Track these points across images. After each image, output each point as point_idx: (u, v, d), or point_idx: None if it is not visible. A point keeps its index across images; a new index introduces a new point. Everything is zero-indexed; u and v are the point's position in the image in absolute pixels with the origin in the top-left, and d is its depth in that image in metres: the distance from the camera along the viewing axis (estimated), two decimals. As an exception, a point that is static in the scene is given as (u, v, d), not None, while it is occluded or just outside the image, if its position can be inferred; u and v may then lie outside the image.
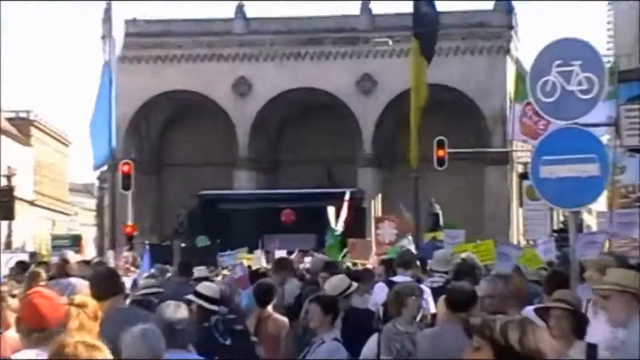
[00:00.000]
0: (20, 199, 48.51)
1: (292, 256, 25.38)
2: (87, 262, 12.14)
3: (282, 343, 8.13)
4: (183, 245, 30.76)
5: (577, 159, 7.15)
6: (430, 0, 24.90)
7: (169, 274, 14.39)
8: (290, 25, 41.24)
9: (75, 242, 32.95)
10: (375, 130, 40.49)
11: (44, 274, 9.35)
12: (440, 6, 25.74)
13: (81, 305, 4.79)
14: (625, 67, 20.50)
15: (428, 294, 8.44)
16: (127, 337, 4.45)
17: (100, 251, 33.25)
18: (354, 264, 17.30)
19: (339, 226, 25.15)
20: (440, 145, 28.95)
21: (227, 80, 40.77)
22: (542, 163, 7.32)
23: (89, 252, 34.68)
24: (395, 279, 9.17)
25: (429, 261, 11.59)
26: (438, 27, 25.84)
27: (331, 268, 10.05)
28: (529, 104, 17.63)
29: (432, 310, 7.80)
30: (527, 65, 7.94)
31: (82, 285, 7.44)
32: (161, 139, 44.38)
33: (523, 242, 26.42)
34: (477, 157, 38.26)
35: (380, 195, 40.47)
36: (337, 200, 28.21)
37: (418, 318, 7.08)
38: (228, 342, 7.00)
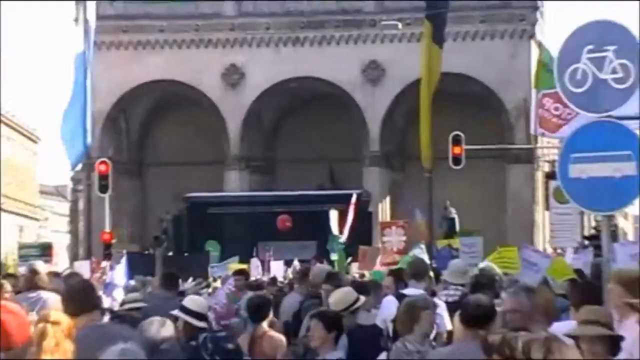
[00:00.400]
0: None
1: (291, 267, 25.41)
2: (58, 274, 12.12)
3: (278, 364, 8.13)
4: (168, 254, 30.77)
5: (611, 157, 7.13)
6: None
7: (150, 288, 14.39)
8: (288, 7, 41.23)
9: (46, 251, 32.99)
10: (384, 125, 40.48)
11: (9, 287, 9.34)
12: (455, -15, 25.78)
13: (55, 323, 4.79)
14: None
15: (443, 309, 8.44)
16: (104, 358, 4.44)
17: (74, 261, 33.23)
18: (362, 275, 17.30)
19: (344, 233, 25.15)
20: (457, 141, 28.96)
21: (216, 69, 40.76)
22: (571, 161, 7.31)
23: (61, 262, 34.70)
24: (406, 291, 9.16)
25: (443, 272, 11.58)
26: (449, 10, 25.88)
27: (335, 279, 10.04)
28: (545, 94, 17.64)
29: (448, 326, 7.80)
30: (554, 51, 7.93)
31: (54, 300, 7.43)
32: (142, 135, 44.38)
33: (550, 251, 26.42)
34: (498, 154, 38.23)
35: (388, 198, 40.46)
36: (340, 203, 28.21)
37: (432, 336, 7.07)
38: (218, 363, 6.99)
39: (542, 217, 38.07)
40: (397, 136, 41.27)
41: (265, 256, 26.97)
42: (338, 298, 8.07)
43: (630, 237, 40.40)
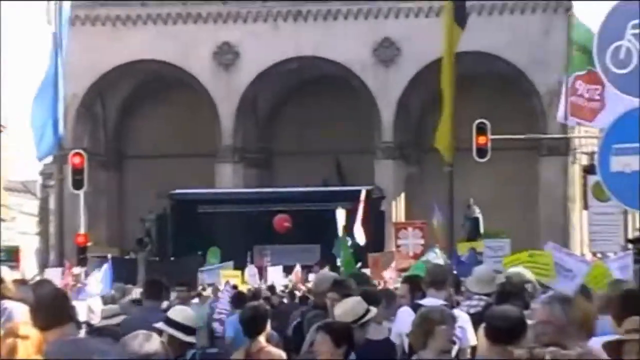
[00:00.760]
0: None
1: (292, 274, 25.46)
2: (25, 282, 12.13)
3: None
4: (152, 259, 30.84)
5: (659, 148, 7.12)
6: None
7: (129, 296, 14.44)
8: (288, -23, 41.23)
9: (12, 255, 32.99)
10: (398, 112, 40.47)
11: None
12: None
13: (25, 337, 4.79)
14: None
15: (466, 322, 8.44)
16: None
17: (44, 267, 33.29)
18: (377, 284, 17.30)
19: (357, 235, 25.17)
20: (481, 130, 28.92)
21: (206, 48, 40.77)
22: (613, 153, 7.30)
23: (30, 268, 34.71)
24: (424, 301, 9.16)
25: (466, 279, 11.58)
26: None
27: (342, 287, 10.04)
28: (578, 77, 17.63)
29: (472, 341, 7.81)
30: (593, 27, 7.90)
31: (21, 311, 7.44)
32: (121, 124, 44.42)
33: (589, 256, 26.38)
34: (528, 145, 38.19)
35: (403, 195, 40.48)
36: (348, 201, 28.24)
37: (454, 352, 7.07)
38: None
39: (579, 218, 38.03)
40: (413, 124, 41.25)
41: (262, 261, 27.02)
42: (345, 309, 8.07)
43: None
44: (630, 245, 20.96)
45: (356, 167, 40.34)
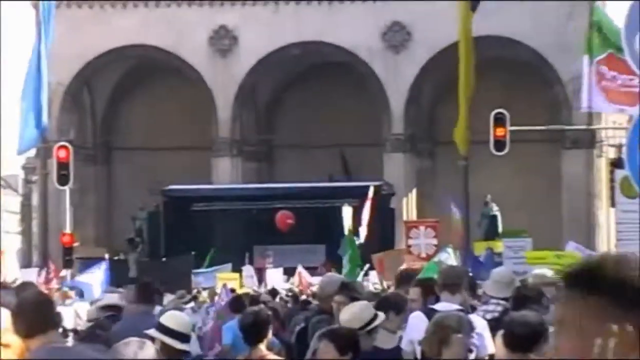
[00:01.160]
0: None
1: (295, 276, 25.46)
2: (7, 285, 12.17)
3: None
4: (143, 259, 30.87)
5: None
6: None
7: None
8: (290, -45, 41.24)
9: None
10: (409, 102, 40.48)
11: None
12: None
13: (6, 346, 4.80)
14: None
15: (484, 328, 8.44)
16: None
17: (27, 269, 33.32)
18: (386, 288, 17.32)
19: (361, 234, 25.18)
20: (500, 121, 28.89)
21: (202, 32, 40.79)
22: (642, 145, 7.30)
23: (11, 270, 34.73)
24: (438, 306, 9.16)
25: (483, 282, 11.59)
26: None
27: (350, 290, 10.05)
28: (599, 61, 17.59)
29: (490, 349, 7.81)
30: (618, 12, 7.89)
31: (2, 317, 7.44)
32: (110, 114, 44.45)
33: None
34: (550, 137, 38.19)
35: (414, 191, 40.49)
36: (355, 197, 28.23)
37: (470, 360, 7.07)
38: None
39: (605, 215, 38.03)
40: (424, 115, 41.25)
41: (262, 263, 27.05)
42: (352, 314, 8.07)
43: None
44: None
45: (363, 161, 40.35)
